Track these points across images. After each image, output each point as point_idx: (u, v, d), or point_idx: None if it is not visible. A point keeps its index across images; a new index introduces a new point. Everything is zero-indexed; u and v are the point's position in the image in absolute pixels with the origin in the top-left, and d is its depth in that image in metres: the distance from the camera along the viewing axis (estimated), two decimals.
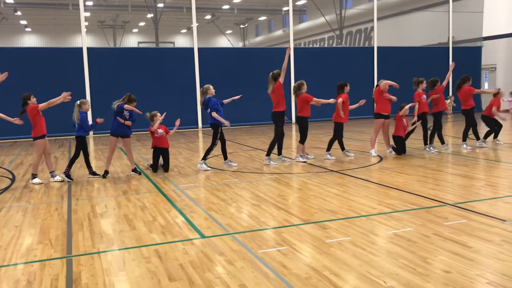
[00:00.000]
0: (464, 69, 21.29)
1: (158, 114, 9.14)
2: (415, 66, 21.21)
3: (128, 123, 8.82)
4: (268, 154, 9.66)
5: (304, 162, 9.71)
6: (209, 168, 9.28)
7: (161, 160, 9.25)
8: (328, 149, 10.09)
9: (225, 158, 9.64)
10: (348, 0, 34.94)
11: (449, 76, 11.01)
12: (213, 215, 5.88)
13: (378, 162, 9.57)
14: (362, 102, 10.12)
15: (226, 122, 9.15)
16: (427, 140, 10.65)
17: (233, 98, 9.85)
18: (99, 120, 8.69)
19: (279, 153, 9.88)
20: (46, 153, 8.56)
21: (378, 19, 22.33)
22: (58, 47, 36.39)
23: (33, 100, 8.26)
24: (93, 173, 8.90)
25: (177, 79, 18.50)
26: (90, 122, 11.09)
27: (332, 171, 8.71)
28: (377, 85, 10.33)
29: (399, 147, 10.26)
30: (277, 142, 9.69)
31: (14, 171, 9.90)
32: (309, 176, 8.34)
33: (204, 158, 9.36)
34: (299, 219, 5.60)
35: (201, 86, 18.62)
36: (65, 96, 8.19)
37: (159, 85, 18.26)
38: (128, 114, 8.81)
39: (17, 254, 4.69)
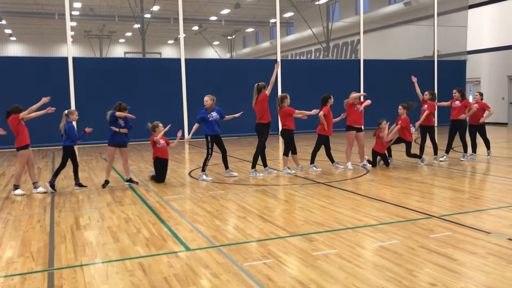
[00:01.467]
0: (449, 82, 21.64)
1: (160, 124, 9.12)
2: (400, 79, 21.39)
3: (124, 130, 8.75)
4: (253, 167, 9.65)
5: (292, 173, 9.70)
6: (210, 178, 9.25)
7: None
8: (312, 161, 10.11)
9: (226, 167, 9.63)
10: (335, 13, 35.32)
11: (418, 91, 10.98)
12: (198, 227, 5.82)
13: (365, 174, 9.59)
14: (344, 115, 10.15)
15: (186, 138, 9.15)
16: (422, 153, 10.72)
17: (234, 115, 9.77)
18: (87, 129, 8.60)
19: (265, 165, 9.87)
20: (30, 163, 8.43)
21: (364, 32, 22.58)
22: (43, 56, 36.13)
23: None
24: (79, 185, 8.77)
25: (164, 90, 18.43)
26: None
27: (319, 183, 8.70)
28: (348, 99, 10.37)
29: (375, 161, 10.34)
30: (260, 154, 9.69)
31: None
32: (296, 188, 8.32)
33: (203, 169, 9.34)
34: (285, 231, 5.57)
35: (187, 97, 18.75)
36: (44, 101, 8.07)
37: (146, 95, 18.17)
38: (123, 122, 8.75)
39: None
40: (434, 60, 23.31)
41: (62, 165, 8.61)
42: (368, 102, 10.37)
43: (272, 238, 5.29)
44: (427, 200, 7.12)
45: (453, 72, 23.38)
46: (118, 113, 8.61)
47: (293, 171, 9.81)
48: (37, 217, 6.63)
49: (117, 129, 8.66)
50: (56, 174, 8.61)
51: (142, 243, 5.23)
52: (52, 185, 8.47)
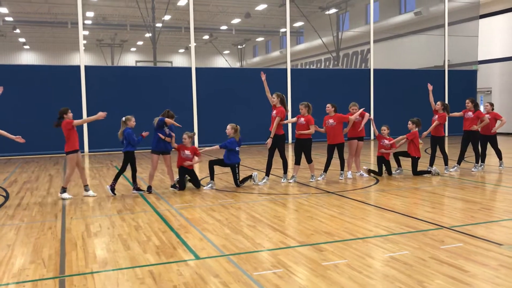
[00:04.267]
0: (460, 92, 21.55)
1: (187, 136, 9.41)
2: (411, 88, 21.41)
3: (168, 139, 8.92)
4: (285, 172, 9.89)
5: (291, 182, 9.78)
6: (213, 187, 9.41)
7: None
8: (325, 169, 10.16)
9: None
10: (345, 23, 35.39)
11: (432, 99, 10.97)
12: (208, 236, 5.83)
13: (375, 184, 9.56)
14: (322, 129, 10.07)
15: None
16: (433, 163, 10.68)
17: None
18: (144, 133, 8.79)
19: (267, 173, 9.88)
20: (80, 167, 8.65)
21: (375, 41, 22.58)
22: (56, 65, 36.55)
23: (69, 114, 8.42)
24: (138, 189, 8.96)
25: (175, 99, 18.51)
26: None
27: (329, 192, 8.68)
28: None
29: (380, 169, 10.37)
30: (267, 162, 9.81)
31: (8, 189, 9.81)
32: (305, 197, 8.31)
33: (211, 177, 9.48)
34: (295, 241, 5.56)
35: (198, 105, 18.83)
36: (100, 115, 8.28)
37: (156, 104, 18.26)
38: (168, 130, 8.90)
39: (9, 274, 4.62)
40: (444, 70, 23.22)
41: (122, 170, 8.90)
42: (365, 120, 10.28)
43: (282, 248, 5.29)
44: (438, 210, 7.08)
45: (464, 82, 23.28)
46: (167, 120, 8.82)
47: (291, 180, 9.82)
48: (49, 224, 6.68)
49: (162, 137, 8.82)
50: (116, 178, 8.87)
51: (152, 251, 5.26)
52: (112, 188, 8.74)
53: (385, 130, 10.41)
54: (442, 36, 23.70)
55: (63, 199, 8.43)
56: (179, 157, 9.21)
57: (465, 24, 24.40)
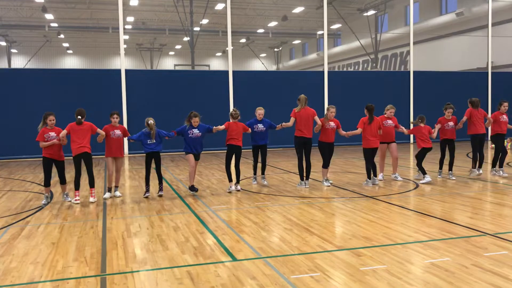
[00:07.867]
0: (504, 95, 20.80)
1: None
2: (452, 91, 20.85)
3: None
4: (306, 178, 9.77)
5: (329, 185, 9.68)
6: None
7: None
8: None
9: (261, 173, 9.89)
10: (384, 24, 34.88)
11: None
12: (245, 238, 5.86)
13: (414, 188, 9.36)
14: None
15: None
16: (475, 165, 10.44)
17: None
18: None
19: (301, 178, 9.81)
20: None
21: (415, 43, 22.14)
22: (97, 68, 37.61)
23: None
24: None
25: (212, 101, 18.71)
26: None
27: (367, 196, 8.56)
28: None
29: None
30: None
31: (52, 189, 10.12)
32: (343, 201, 8.22)
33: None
34: (333, 245, 5.51)
35: (234, 107, 18.92)
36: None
37: (194, 107, 18.39)
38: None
39: (54, 270, 4.78)
40: (488, 72, 22.52)
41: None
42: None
43: (319, 252, 5.25)
44: (481, 216, 6.86)
45: (508, 84, 22.49)
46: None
47: (330, 182, 9.75)
48: (91, 223, 6.87)
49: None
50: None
51: (190, 251, 5.32)
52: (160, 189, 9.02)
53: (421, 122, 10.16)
54: (485, 37, 22.99)
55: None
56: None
57: (510, 24, 23.62)
